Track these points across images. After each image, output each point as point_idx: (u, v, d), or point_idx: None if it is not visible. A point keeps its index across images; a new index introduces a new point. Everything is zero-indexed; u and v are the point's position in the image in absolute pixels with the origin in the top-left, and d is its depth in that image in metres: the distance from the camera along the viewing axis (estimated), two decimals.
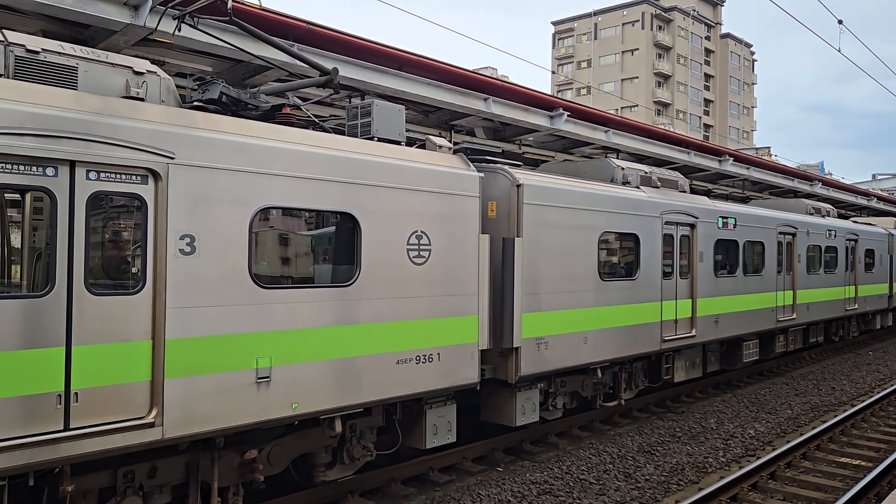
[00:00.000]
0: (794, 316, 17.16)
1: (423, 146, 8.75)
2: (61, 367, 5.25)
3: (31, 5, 7.19)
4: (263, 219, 6.68)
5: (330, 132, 7.92)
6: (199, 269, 6.02)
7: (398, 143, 8.24)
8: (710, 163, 18.59)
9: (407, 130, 8.80)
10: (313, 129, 7.94)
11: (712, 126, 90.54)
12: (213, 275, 6.12)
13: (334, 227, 7.36)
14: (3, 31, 5.61)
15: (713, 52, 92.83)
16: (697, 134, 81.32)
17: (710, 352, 14.50)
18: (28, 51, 5.56)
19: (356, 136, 8.06)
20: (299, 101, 9.76)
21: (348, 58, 9.77)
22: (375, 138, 8.03)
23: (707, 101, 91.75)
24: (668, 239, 12.44)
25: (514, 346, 9.28)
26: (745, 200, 21.74)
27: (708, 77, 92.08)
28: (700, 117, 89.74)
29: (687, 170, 18.41)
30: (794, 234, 17.29)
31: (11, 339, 5.04)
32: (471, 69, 12.42)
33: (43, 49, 5.66)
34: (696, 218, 13.19)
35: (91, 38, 8.17)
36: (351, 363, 7.20)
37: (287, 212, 6.91)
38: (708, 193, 20.86)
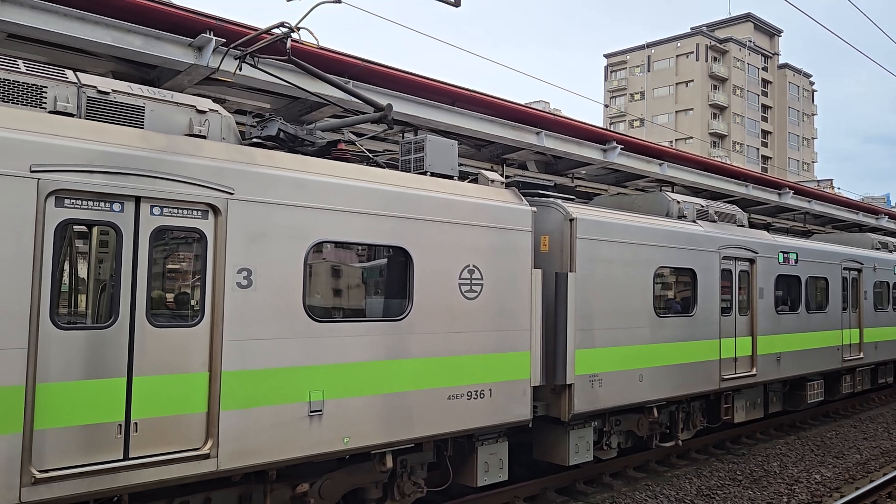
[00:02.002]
0: (861, 355, 16.44)
1: (475, 180, 8.78)
2: (122, 398, 5.38)
3: (102, 48, 7.54)
4: (318, 253, 6.77)
5: (384, 167, 8.03)
6: (256, 302, 6.13)
7: (451, 177, 8.29)
8: (769, 196, 18.13)
9: (459, 164, 8.85)
10: (367, 164, 8.06)
11: (771, 158, 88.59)
12: (269, 308, 6.21)
13: (387, 261, 7.41)
14: (77, 73, 5.89)
15: (771, 82, 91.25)
16: (755, 166, 79.63)
17: (771, 392, 13.97)
18: (99, 92, 5.82)
19: (409, 171, 8.14)
20: (354, 137, 9.94)
21: (402, 94, 9.93)
22: (428, 173, 8.10)
23: (765, 133, 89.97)
24: (726, 274, 12.13)
25: (567, 382, 9.12)
26: (806, 235, 21.09)
27: (765, 108, 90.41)
28: (758, 149, 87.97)
29: (745, 203, 17.99)
30: (859, 270, 16.65)
31: (75, 369, 5.20)
32: (523, 103, 12.46)
33: (113, 90, 5.91)
34: (756, 253, 12.84)
35: (157, 77, 8.51)
36: (402, 398, 7.17)
37: (341, 246, 6.99)
38: (767, 227, 20.31)
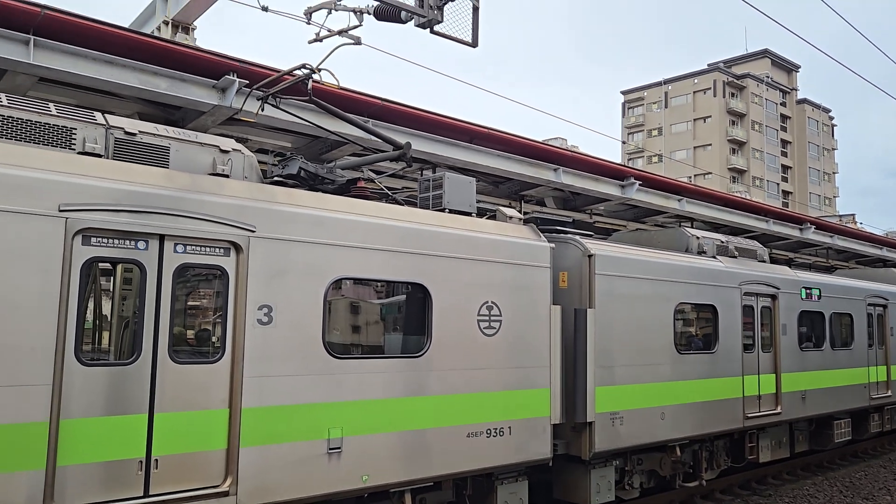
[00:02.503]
0: (889, 393, 16.10)
1: (493, 217, 8.83)
2: (143, 434, 5.41)
3: (130, 90, 7.77)
4: (337, 289, 6.82)
5: (402, 204, 8.11)
6: (276, 338, 6.17)
7: (469, 214, 8.35)
8: (790, 231, 18.01)
9: (478, 201, 8.92)
10: (386, 201, 8.15)
11: (791, 193, 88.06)
12: (289, 344, 6.25)
13: (405, 298, 7.44)
14: (105, 115, 6.06)
15: (789, 117, 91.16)
16: (776, 201, 79.13)
17: (797, 430, 13.69)
18: (126, 133, 5.97)
19: (428, 208, 8.21)
20: (373, 175, 10.07)
21: (420, 132, 10.08)
22: (447, 210, 8.16)
23: (785, 168, 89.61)
24: (747, 310, 12.00)
25: (588, 420, 9.01)
26: (829, 270, 20.85)
27: (785, 143, 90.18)
28: (778, 184, 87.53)
29: (766, 238, 17.87)
30: (885, 306, 16.39)
31: (98, 405, 5.25)
32: (540, 140, 12.57)
33: (140, 131, 6.07)
34: (778, 289, 12.71)
35: (182, 118, 8.72)
36: (421, 435, 7.13)
37: (359, 282, 7.04)
38: (789, 263, 20.12)
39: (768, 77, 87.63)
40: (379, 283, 7.19)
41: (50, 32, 7.04)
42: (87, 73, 7.35)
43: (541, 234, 8.77)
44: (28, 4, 6.89)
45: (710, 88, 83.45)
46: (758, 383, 12.03)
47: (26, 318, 4.99)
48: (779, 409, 12.39)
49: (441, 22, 6.90)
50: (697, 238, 11.97)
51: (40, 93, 7.80)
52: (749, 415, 11.70)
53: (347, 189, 7.84)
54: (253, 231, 6.12)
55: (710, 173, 74.18)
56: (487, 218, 8.70)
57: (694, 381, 10.65)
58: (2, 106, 5.44)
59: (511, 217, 8.82)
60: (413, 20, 6.87)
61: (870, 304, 15.77)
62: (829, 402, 13.89)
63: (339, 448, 6.47)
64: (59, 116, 5.68)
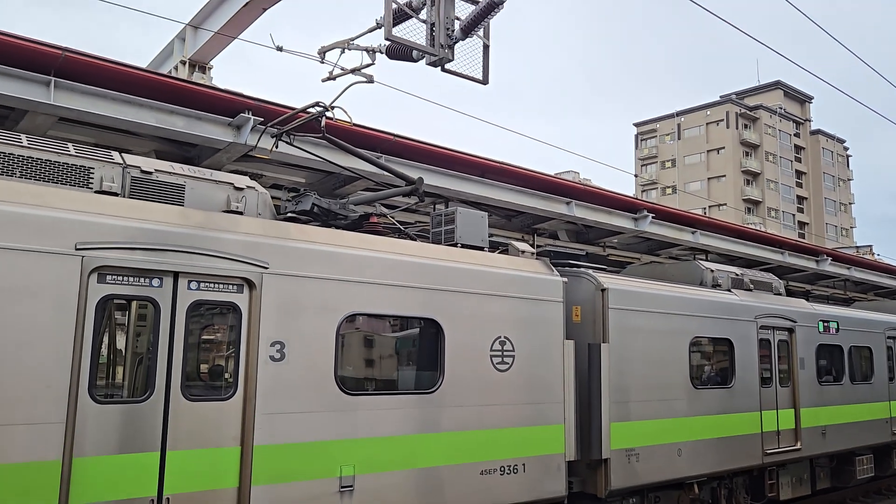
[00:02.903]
0: None
1: (505, 251, 8.84)
2: (155, 473, 5.39)
3: (147, 129, 7.91)
4: (349, 325, 6.83)
5: (415, 239, 8.14)
6: (288, 375, 6.16)
7: (481, 248, 8.36)
8: (806, 263, 17.86)
9: (490, 235, 8.94)
10: (399, 236, 8.19)
11: (808, 224, 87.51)
12: (301, 381, 6.24)
13: (418, 333, 7.43)
14: (122, 154, 6.17)
15: (804, 148, 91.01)
16: (792, 232, 78.67)
17: (818, 467, 13.40)
18: (143, 171, 6.07)
19: (440, 243, 8.24)
20: (385, 210, 10.13)
21: (433, 166, 10.16)
22: (459, 244, 8.18)
23: (800, 199, 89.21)
24: (764, 344, 11.86)
25: (603, 457, 8.89)
26: (847, 302, 20.60)
27: (800, 174, 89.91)
28: (794, 215, 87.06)
29: (781, 270, 17.73)
30: None
31: (111, 443, 5.25)
32: (552, 174, 12.62)
33: (156, 170, 6.16)
34: (794, 322, 12.57)
35: (198, 155, 8.85)
36: (434, 473, 7.06)
37: (372, 318, 7.04)
38: (806, 295, 19.92)
39: (781, 108, 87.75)
40: (391, 319, 7.19)
41: (70, 73, 7.21)
42: (106, 113, 7.49)
43: (553, 268, 8.76)
44: (49, 47, 7.07)
45: (722, 120, 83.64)
46: (776, 419, 11.83)
47: (42, 356, 5.03)
48: (798, 445, 12.16)
49: (452, 60, 6.99)
50: (712, 271, 11.90)
51: (60, 132, 7.96)
52: (768, 451, 11.49)
53: (360, 224, 7.89)
54: (266, 267, 6.16)
55: (725, 205, 73.95)
56: (500, 252, 8.71)
57: (711, 417, 10.49)
58: (22, 147, 5.55)
59: (523, 251, 8.82)
60: (424, 59, 6.96)
61: (889, 337, 15.53)
62: (851, 437, 13.62)
63: (350, 486, 6.41)
64: (77, 156, 5.79)
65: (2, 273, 4.96)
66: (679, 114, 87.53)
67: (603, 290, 9.28)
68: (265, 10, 14.25)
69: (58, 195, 5.40)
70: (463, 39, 7.02)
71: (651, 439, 9.51)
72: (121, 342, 5.63)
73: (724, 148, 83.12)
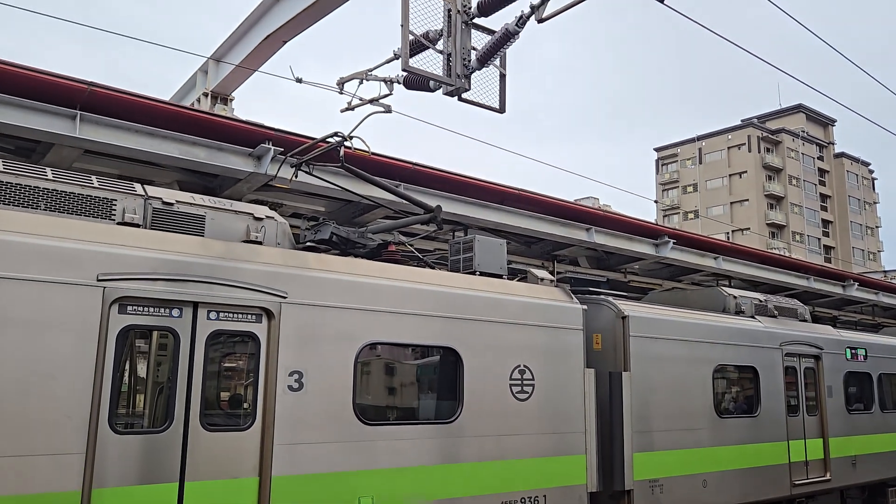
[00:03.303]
0: None
1: (524, 279, 8.80)
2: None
3: (170, 160, 8.04)
4: (367, 355, 6.81)
5: (433, 268, 8.15)
6: (306, 405, 6.15)
7: (500, 276, 8.34)
8: (832, 288, 17.57)
9: (510, 262, 8.92)
10: (417, 264, 8.19)
11: (833, 248, 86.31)
12: (319, 411, 6.22)
13: (436, 363, 7.39)
14: (144, 186, 6.26)
15: (828, 171, 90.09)
16: (818, 257, 77.62)
17: (849, 498, 13.04)
18: (164, 203, 6.15)
19: (459, 271, 8.23)
20: (404, 238, 10.16)
21: (451, 194, 10.19)
22: (477, 272, 8.17)
23: (826, 222, 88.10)
24: (790, 372, 11.64)
25: (626, 488, 8.72)
26: (876, 328, 20.20)
27: (824, 197, 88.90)
28: (819, 239, 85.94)
29: (807, 296, 17.45)
30: None
31: (130, 473, 5.26)
32: (571, 200, 12.60)
33: (177, 201, 6.24)
34: (821, 349, 12.33)
35: (219, 185, 8.97)
36: None
37: (390, 347, 7.03)
38: (833, 321, 19.57)
39: (804, 132, 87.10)
40: (410, 348, 7.17)
41: (96, 107, 7.37)
42: (130, 145, 7.64)
43: (573, 296, 8.70)
44: (76, 82, 7.25)
45: (744, 144, 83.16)
46: (804, 448, 11.57)
47: (62, 387, 5.07)
48: (828, 476, 11.86)
49: (469, 90, 7.04)
50: (735, 297, 11.74)
51: (85, 164, 8.11)
52: (796, 482, 11.21)
53: (378, 253, 7.92)
54: (284, 297, 6.19)
55: (748, 229, 73.27)
56: (518, 280, 8.67)
57: (736, 447, 10.28)
58: (47, 180, 5.66)
59: (542, 279, 8.77)
60: (441, 88, 7.03)
61: None
62: (882, 467, 13.26)
63: None
64: (100, 188, 5.89)
65: (26, 304, 5.03)
66: (700, 138, 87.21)
67: (624, 317, 9.19)
68: (285, 42, 14.53)
69: (81, 227, 5.49)
70: (479, 69, 7.10)
71: (675, 470, 9.33)
72: (140, 372, 5.67)
73: (746, 172, 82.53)
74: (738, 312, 11.56)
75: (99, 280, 5.32)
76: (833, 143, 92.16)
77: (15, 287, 5.01)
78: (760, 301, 12.11)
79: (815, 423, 11.98)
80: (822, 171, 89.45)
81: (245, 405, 5.97)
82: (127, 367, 5.56)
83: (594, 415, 8.42)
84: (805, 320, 12.83)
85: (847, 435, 12.50)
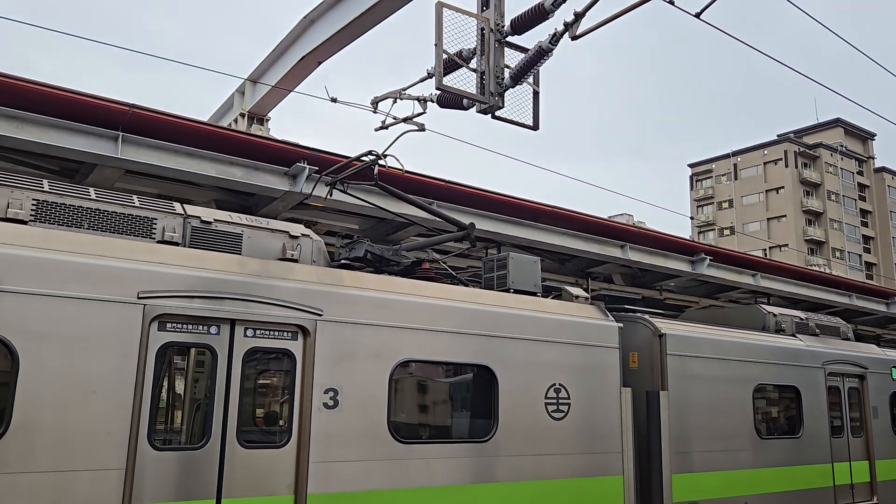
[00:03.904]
0: None
1: (559, 296, 8.73)
2: None
3: (207, 179, 8.17)
4: (402, 372, 6.80)
5: (467, 285, 8.13)
6: (341, 422, 6.15)
7: (534, 294, 8.28)
8: (875, 306, 17.13)
9: (543, 279, 8.86)
10: (451, 282, 8.18)
11: (875, 264, 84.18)
12: (354, 429, 6.22)
13: (471, 381, 7.35)
14: (184, 205, 6.38)
15: (868, 186, 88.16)
16: (858, 274, 75.77)
17: None
18: (202, 221, 6.25)
19: (492, 289, 8.20)
20: (437, 256, 10.17)
21: (484, 211, 10.19)
22: (511, 290, 8.13)
23: (866, 238, 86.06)
24: (833, 392, 11.33)
25: None
26: None
27: (865, 213, 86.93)
28: (860, 255, 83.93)
29: (848, 314, 17.03)
30: None
31: (168, 490, 5.31)
32: (605, 217, 12.50)
33: (215, 219, 6.34)
34: (865, 368, 12.00)
35: (255, 204, 9.09)
36: None
37: (425, 365, 7.01)
38: (877, 340, 19.04)
39: (842, 146, 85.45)
40: (444, 366, 7.14)
41: (137, 128, 7.54)
42: (169, 165, 7.79)
43: (608, 314, 8.60)
44: (118, 104, 7.43)
45: (780, 159, 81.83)
46: (850, 471, 11.22)
47: (103, 403, 5.15)
48: (875, 500, 11.48)
49: (502, 107, 7.05)
50: (775, 315, 11.50)
51: (126, 184, 8.29)
52: None
53: (412, 271, 7.93)
54: (320, 314, 6.22)
55: (786, 245, 71.92)
56: (553, 297, 8.61)
57: (778, 469, 10.01)
58: (91, 199, 5.79)
59: (577, 296, 8.70)
60: (475, 106, 7.05)
61: None
62: None
63: None
64: (141, 208, 6.00)
65: (69, 322, 5.13)
66: (735, 153, 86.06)
67: (661, 335, 9.05)
68: (320, 63, 14.74)
69: (122, 245, 5.60)
70: (513, 87, 7.10)
71: (715, 492, 9.11)
72: (178, 389, 5.73)
73: (783, 187, 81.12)
74: (779, 331, 11.32)
75: (139, 297, 5.41)
76: (873, 158, 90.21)
77: (58, 304, 5.12)
78: (801, 319, 11.84)
79: (861, 444, 11.62)
80: (861, 186, 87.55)
81: (281, 422, 5.99)
82: (165, 383, 5.63)
83: (631, 435, 8.28)
84: (848, 339, 12.50)
85: (895, 457, 12.09)
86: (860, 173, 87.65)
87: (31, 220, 5.49)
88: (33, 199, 5.55)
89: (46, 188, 5.67)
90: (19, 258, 5.06)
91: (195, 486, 5.42)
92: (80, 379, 5.10)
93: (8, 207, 5.43)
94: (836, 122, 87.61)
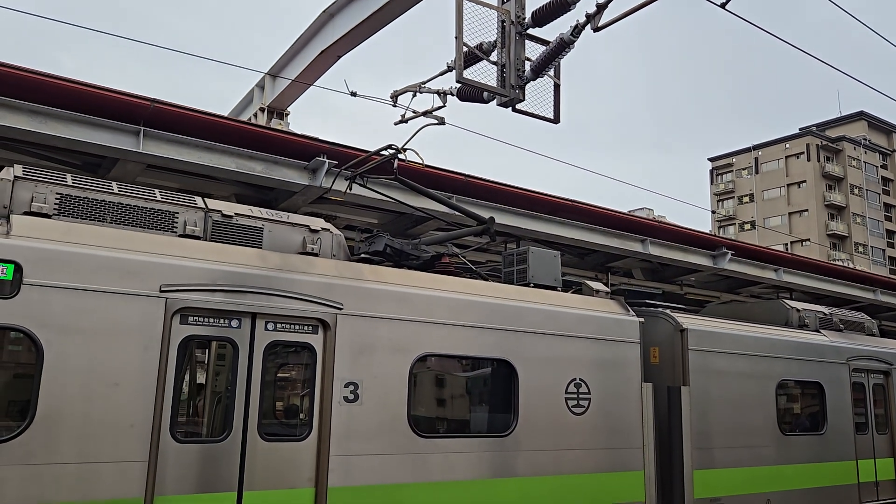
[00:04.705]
0: None
1: (579, 291, 8.68)
2: None
3: (228, 174, 8.21)
4: (422, 366, 6.79)
5: (487, 279, 8.10)
6: (362, 416, 6.16)
7: (554, 288, 8.23)
8: None
9: (563, 274, 8.81)
10: (470, 276, 8.15)
11: None
12: (374, 422, 6.22)
13: (490, 375, 7.33)
14: (205, 199, 6.40)
15: (892, 180, 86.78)
16: (882, 268, 74.67)
17: None
18: (223, 215, 6.27)
19: (512, 283, 8.16)
20: (457, 250, 10.15)
21: (504, 205, 10.15)
22: (531, 284, 8.08)
23: (890, 233, 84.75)
24: (857, 388, 11.17)
25: None
26: None
27: (889, 207, 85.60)
28: (884, 250, 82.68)
29: (872, 309, 16.78)
30: None
31: (190, 482, 5.34)
32: (626, 211, 12.40)
33: (235, 213, 6.35)
34: (891, 364, 11.81)
35: (275, 198, 9.11)
36: None
37: (444, 359, 6.99)
38: None
39: (866, 139, 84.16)
40: (464, 360, 7.13)
41: (158, 123, 7.59)
42: (190, 160, 7.84)
43: (629, 308, 8.53)
44: (139, 98, 7.48)
45: (802, 153, 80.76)
46: (874, 468, 11.07)
47: (127, 396, 5.19)
48: None
49: (523, 100, 7.00)
50: (798, 310, 11.35)
51: (148, 178, 8.35)
52: (866, 503, 10.72)
53: (432, 265, 7.91)
54: (340, 308, 6.22)
55: (808, 240, 71.05)
56: (573, 292, 8.55)
57: (801, 466, 9.89)
58: (113, 194, 5.83)
59: (598, 291, 8.63)
60: (496, 100, 7.00)
61: None
62: None
63: None
64: (163, 202, 6.03)
65: (92, 314, 5.17)
66: (756, 147, 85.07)
67: (682, 330, 8.96)
68: (339, 57, 14.73)
69: (144, 239, 5.63)
70: (534, 80, 7.05)
71: (737, 488, 9.03)
72: (200, 382, 5.76)
73: (805, 181, 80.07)
74: (802, 326, 11.17)
75: (162, 291, 5.44)
76: None
77: (82, 297, 5.16)
78: (825, 314, 11.68)
79: (886, 441, 11.45)
80: (885, 180, 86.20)
81: (301, 416, 6.00)
82: (187, 376, 5.66)
83: (652, 430, 8.21)
84: (872, 334, 12.32)
85: None
86: (884, 167, 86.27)
87: (54, 214, 5.53)
88: (57, 193, 5.60)
89: (70, 182, 5.71)
90: (44, 252, 5.10)
91: (217, 479, 5.45)
92: (103, 371, 5.14)
93: (32, 201, 5.47)
94: (860, 115, 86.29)
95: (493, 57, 6.99)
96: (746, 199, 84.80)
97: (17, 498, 4.74)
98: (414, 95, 7.96)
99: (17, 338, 5.01)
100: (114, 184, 5.98)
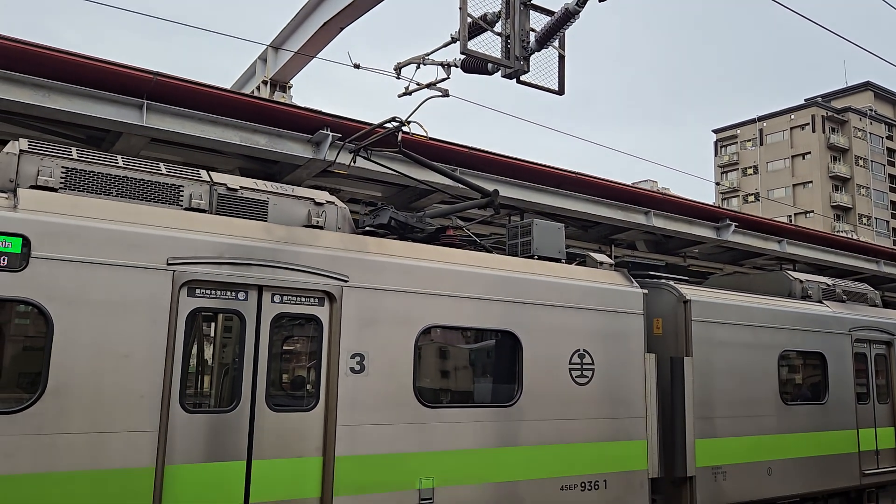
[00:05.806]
0: None
1: (583, 263, 8.71)
2: (242, 481, 5.54)
3: (231, 147, 8.21)
4: (427, 338, 6.85)
5: (491, 251, 8.13)
6: (368, 387, 6.23)
7: (558, 260, 8.26)
8: None
9: (567, 246, 8.84)
10: (474, 248, 8.18)
11: None
12: (380, 393, 6.30)
13: (495, 346, 7.39)
14: (210, 172, 6.41)
15: None
16: (886, 240, 74.54)
17: None
18: (228, 189, 6.28)
19: (516, 255, 8.19)
20: (461, 223, 10.16)
21: (508, 178, 10.14)
22: (535, 256, 8.11)
23: (894, 204, 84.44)
24: (859, 358, 11.24)
25: (688, 475, 8.58)
26: None
27: (893, 178, 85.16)
28: (888, 221, 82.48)
29: (876, 280, 16.81)
30: None
31: (199, 451, 5.43)
32: (629, 183, 12.38)
33: (241, 186, 6.37)
34: (893, 335, 11.87)
35: (279, 171, 9.12)
36: (513, 487, 6.98)
37: (449, 331, 7.05)
38: None
39: (872, 110, 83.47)
40: (468, 332, 7.18)
41: (161, 96, 7.57)
42: (193, 133, 7.83)
43: (633, 280, 8.56)
44: (142, 72, 7.45)
45: (807, 124, 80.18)
46: (875, 437, 11.18)
47: (136, 367, 5.26)
48: None
49: (527, 72, 6.96)
50: (801, 281, 11.38)
51: (152, 152, 8.35)
52: (866, 471, 10.85)
53: (436, 237, 7.93)
54: (346, 281, 6.26)
55: (812, 212, 70.85)
56: (577, 264, 8.58)
57: (803, 435, 10.00)
58: (118, 167, 5.84)
59: (601, 262, 8.66)
60: (500, 71, 6.96)
61: None
62: None
63: (430, 499, 6.42)
64: (168, 175, 6.05)
65: (101, 287, 5.22)
66: (761, 118, 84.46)
67: (685, 301, 9.01)
68: (342, 29, 14.61)
69: (150, 213, 5.65)
70: (538, 51, 7.01)
71: (739, 457, 9.14)
72: (208, 353, 5.83)
73: (809, 153, 79.61)
74: (805, 297, 11.21)
75: (169, 264, 5.48)
76: None
77: (90, 270, 5.20)
78: (828, 285, 11.71)
79: (887, 411, 11.56)
80: (890, 151, 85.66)
81: (308, 387, 6.08)
82: (195, 348, 5.72)
83: (655, 400, 8.30)
84: (875, 305, 12.36)
85: None
86: (889, 138, 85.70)
87: (60, 188, 5.55)
88: (62, 167, 5.61)
89: (75, 156, 5.72)
90: (51, 225, 5.14)
91: (226, 448, 5.54)
92: (112, 343, 5.20)
93: (38, 175, 5.49)
94: (866, 86, 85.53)
95: (498, 28, 6.94)
96: (751, 170, 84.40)
97: (30, 466, 4.84)
98: (417, 67, 7.91)
99: (27, 311, 5.07)
100: (119, 157, 5.99)
